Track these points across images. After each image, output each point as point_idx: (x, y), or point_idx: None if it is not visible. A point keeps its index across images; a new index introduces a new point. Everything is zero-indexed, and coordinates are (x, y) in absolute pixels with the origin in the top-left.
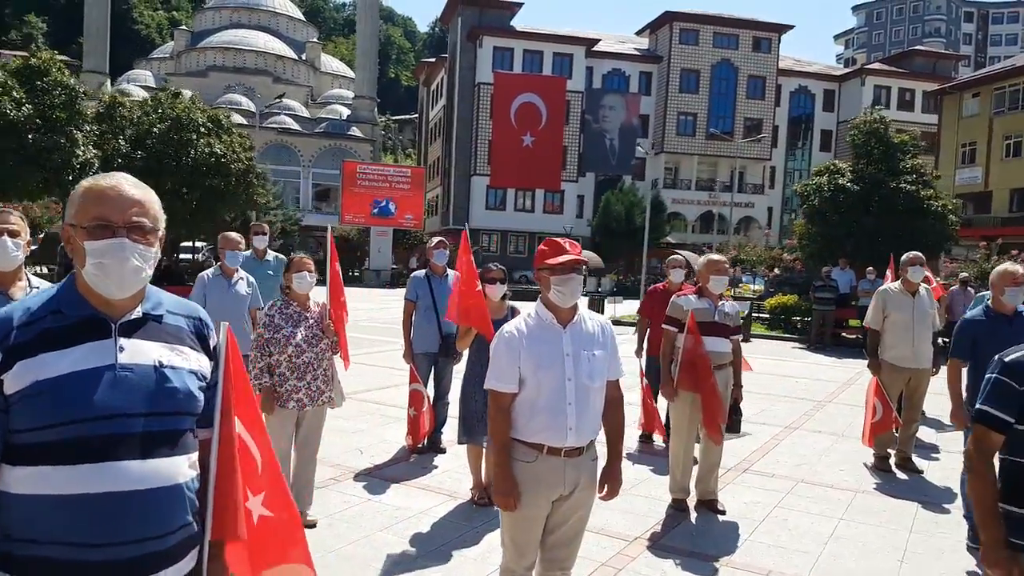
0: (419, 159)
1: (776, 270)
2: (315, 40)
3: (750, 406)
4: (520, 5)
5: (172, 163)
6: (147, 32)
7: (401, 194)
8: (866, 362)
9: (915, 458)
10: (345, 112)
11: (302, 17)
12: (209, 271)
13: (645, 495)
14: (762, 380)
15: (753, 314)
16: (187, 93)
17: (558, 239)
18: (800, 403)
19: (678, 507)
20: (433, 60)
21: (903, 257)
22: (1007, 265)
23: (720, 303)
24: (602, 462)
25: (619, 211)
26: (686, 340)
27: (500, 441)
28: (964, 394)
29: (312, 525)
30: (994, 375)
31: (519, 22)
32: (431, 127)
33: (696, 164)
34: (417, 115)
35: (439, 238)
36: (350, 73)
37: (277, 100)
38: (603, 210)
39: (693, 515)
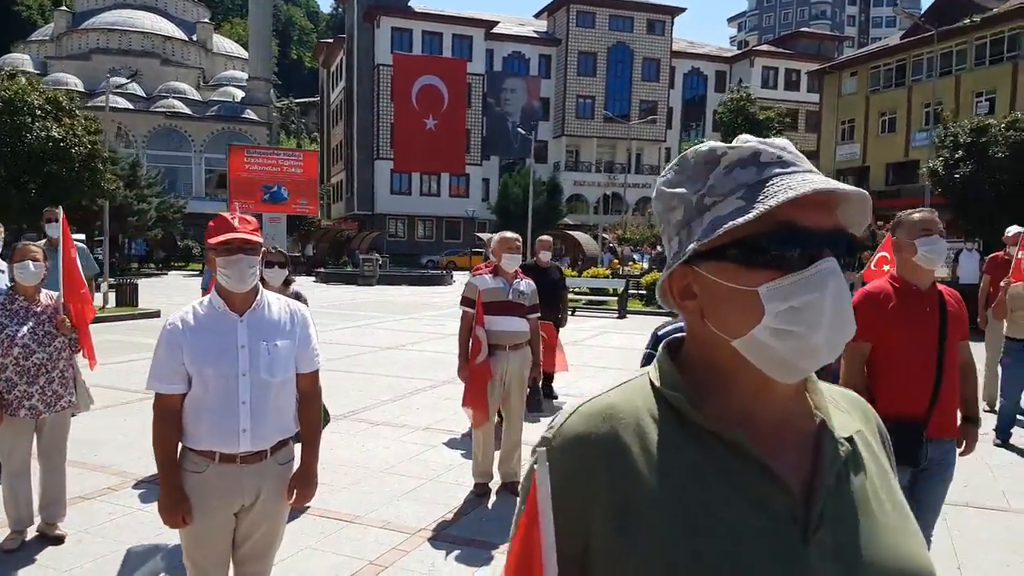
0: (321, 142)
1: (658, 248)
2: (207, 21)
3: (601, 380)
4: None
5: (5, 149)
6: (28, 14)
7: (294, 179)
8: None
9: None
10: (240, 95)
11: None
12: None
13: (453, 481)
14: (626, 355)
15: (630, 291)
16: (21, 74)
17: (227, 215)
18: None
19: (479, 492)
20: (331, 41)
21: None
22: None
23: (515, 281)
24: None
25: (517, 193)
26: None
27: (164, 451)
28: None
29: (60, 540)
30: (648, 351)
31: (417, 3)
32: (332, 110)
33: (596, 146)
34: (319, 98)
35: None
36: (246, 55)
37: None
38: (501, 193)
39: (492, 500)
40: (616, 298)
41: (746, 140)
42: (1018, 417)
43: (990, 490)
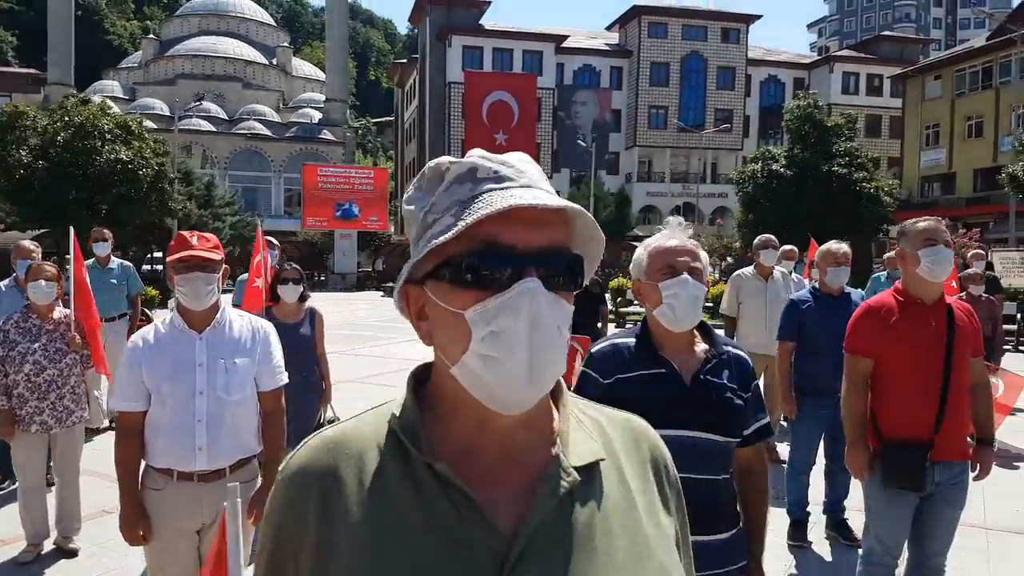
0: (397, 161)
1: (729, 259)
2: (286, 45)
3: None
4: (488, 3)
5: (77, 172)
6: (119, 42)
7: (364, 196)
8: None
9: (780, 446)
10: (317, 116)
11: (272, 22)
12: (3, 282)
13: None
14: None
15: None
16: (96, 99)
17: (186, 233)
18: None
19: None
20: (405, 61)
21: (755, 240)
22: (830, 244)
23: None
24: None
25: (584, 205)
26: None
27: (123, 469)
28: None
29: (73, 553)
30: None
31: (487, 20)
32: (406, 128)
33: (669, 157)
34: (394, 117)
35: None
36: (324, 77)
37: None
38: None
39: None
40: None
41: (470, 155)
42: None
43: None
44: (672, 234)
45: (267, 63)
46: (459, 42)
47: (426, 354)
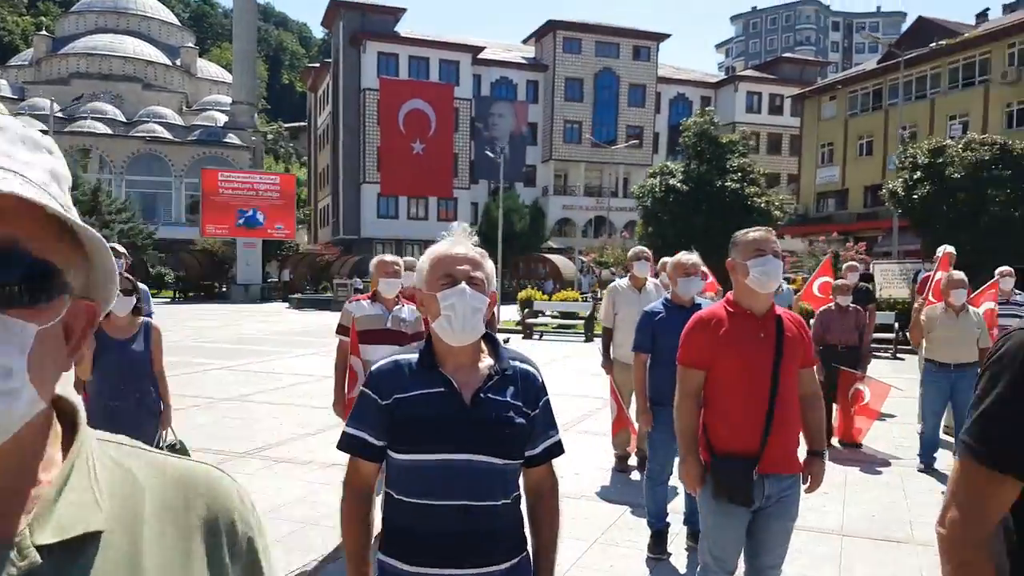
0: (310, 167)
1: (611, 271)
2: (191, 45)
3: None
4: (403, 10)
5: None
6: (10, 39)
7: (269, 203)
8: None
9: None
10: (222, 119)
11: (176, 21)
12: None
13: (333, 525)
14: (584, 379)
15: (595, 315)
16: None
17: None
18: (587, 401)
19: None
20: (318, 65)
21: (629, 252)
22: (680, 255)
23: (396, 308)
24: None
25: (497, 218)
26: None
27: None
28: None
29: None
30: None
31: (403, 28)
32: (319, 134)
33: (584, 171)
34: (307, 122)
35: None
36: (231, 79)
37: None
38: (483, 217)
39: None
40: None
41: None
42: (945, 438)
43: (898, 521)
44: (456, 241)
45: (170, 63)
46: (374, 48)
47: (310, 367)
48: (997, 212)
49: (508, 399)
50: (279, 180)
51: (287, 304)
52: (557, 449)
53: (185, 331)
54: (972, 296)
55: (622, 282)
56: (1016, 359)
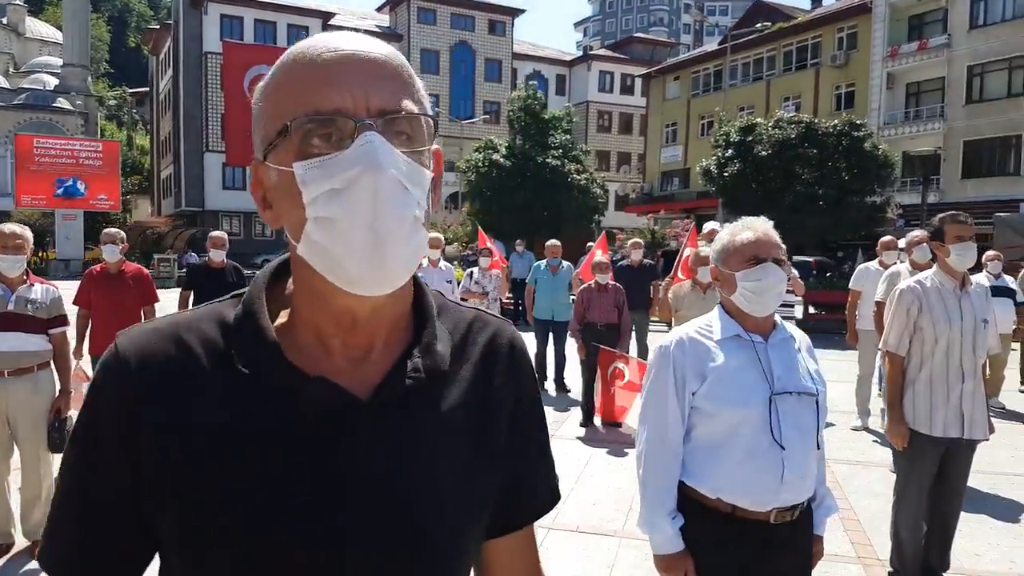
0: (152, 134)
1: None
2: (19, 3)
3: None
4: None
5: None
6: None
7: (92, 172)
8: None
9: None
10: (53, 82)
11: None
12: None
13: None
14: None
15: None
16: None
17: None
18: None
19: None
20: (159, 27)
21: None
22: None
23: (23, 288)
24: None
25: None
26: None
27: None
28: None
29: None
30: None
31: None
32: (161, 99)
33: (442, 145)
34: (149, 88)
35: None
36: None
37: None
38: None
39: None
40: None
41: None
42: None
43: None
44: None
45: None
46: (216, 10)
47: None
48: (802, 190)
49: None
50: (101, 147)
51: None
52: None
53: None
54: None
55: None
56: None
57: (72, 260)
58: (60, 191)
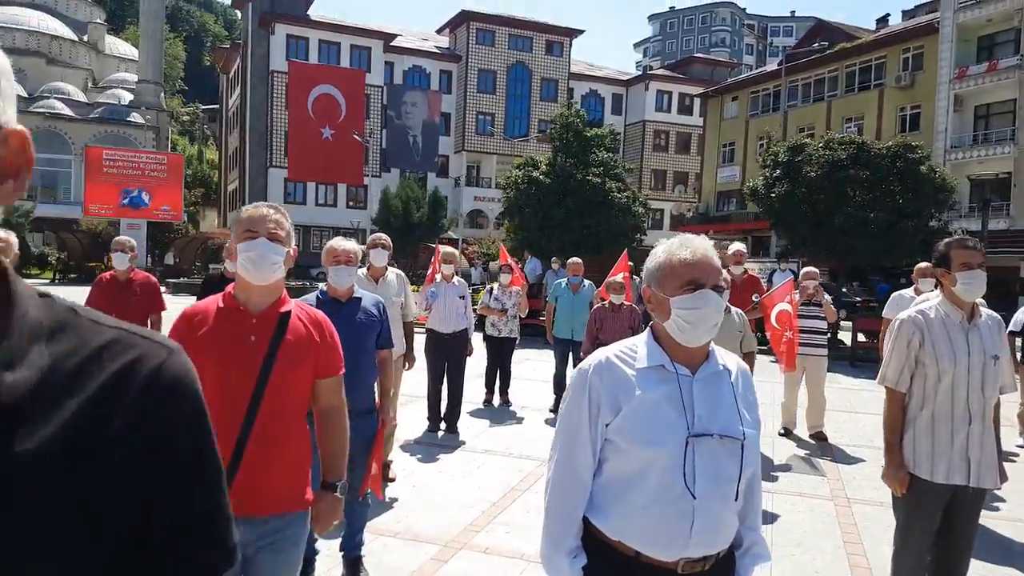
0: (221, 149)
1: (492, 264)
2: (100, 21)
3: None
4: None
5: None
6: None
7: (156, 183)
8: None
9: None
10: (128, 97)
11: None
12: None
13: None
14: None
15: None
16: None
17: None
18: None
19: None
20: (228, 46)
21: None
22: (334, 241)
23: None
24: None
25: (396, 206)
26: None
27: None
28: None
29: None
30: None
31: (315, 12)
32: (230, 116)
33: (495, 163)
34: (218, 104)
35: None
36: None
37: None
38: (381, 205)
39: None
40: None
41: None
42: None
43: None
44: None
45: (76, 39)
46: (283, 30)
47: None
48: (852, 212)
49: None
50: (166, 159)
51: (165, 289)
52: None
53: None
54: (765, 295)
55: (361, 271)
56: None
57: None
58: (125, 201)
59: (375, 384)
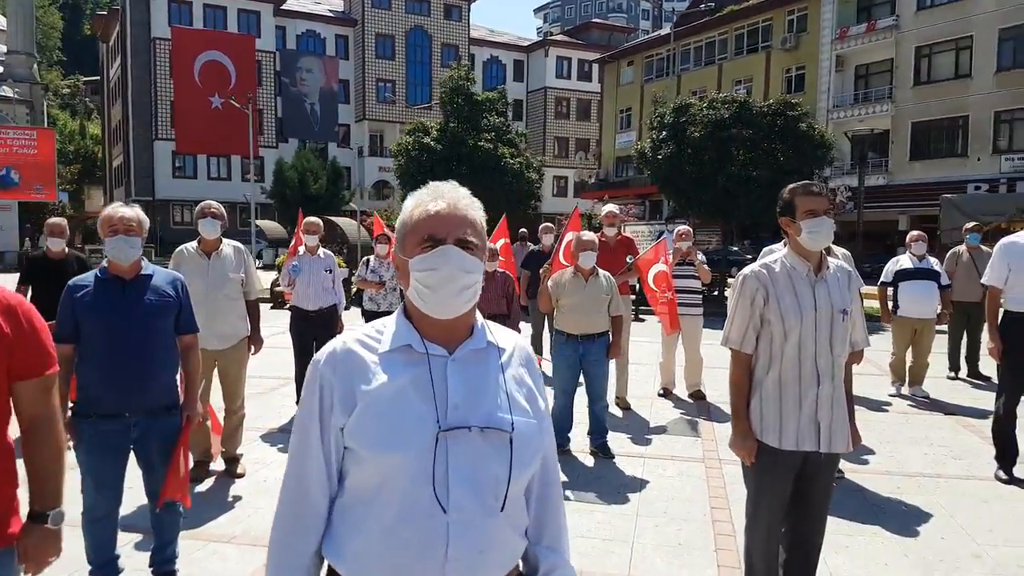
0: (104, 122)
1: None
2: None
3: None
4: None
5: None
6: None
7: (27, 161)
8: None
9: None
10: None
11: None
12: None
13: None
14: None
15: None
16: None
17: None
18: None
19: None
20: (107, 13)
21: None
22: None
23: None
24: None
25: (292, 178)
26: None
27: None
28: None
29: None
30: None
31: None
32: (111, 87)
33: (399, 132)
34: (99, 75)
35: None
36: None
37: None
38: (276, 177)
39: None
40: None
41: None
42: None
43: None
44: None
45: None
46: None
47: None
48: (735, 172)
49: None
50: (36, 136)
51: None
52: None
53: None
54: (640, 256)
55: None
56: None
57: (6, 252)
58: None
59: (176, 376)
